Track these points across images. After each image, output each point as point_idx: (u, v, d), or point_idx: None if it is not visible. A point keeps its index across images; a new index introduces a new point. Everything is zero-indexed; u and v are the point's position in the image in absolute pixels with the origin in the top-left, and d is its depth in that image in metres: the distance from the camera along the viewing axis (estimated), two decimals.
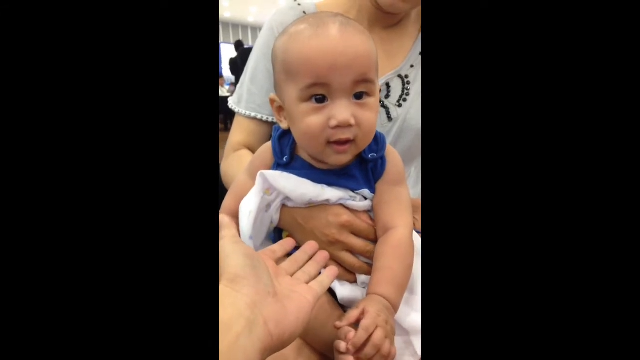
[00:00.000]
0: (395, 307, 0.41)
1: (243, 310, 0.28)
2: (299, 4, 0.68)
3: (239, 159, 0.65)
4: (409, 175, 0.78)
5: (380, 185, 0.47)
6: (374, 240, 0.46)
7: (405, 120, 0.67)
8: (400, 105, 0.67)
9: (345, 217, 0.46)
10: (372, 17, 0.66)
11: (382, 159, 0.47)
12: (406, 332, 0.43)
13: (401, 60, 0.68)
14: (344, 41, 0.41)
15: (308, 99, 0.42)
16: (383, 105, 0.67)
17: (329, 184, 0.46)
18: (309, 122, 0.42)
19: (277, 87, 0.46)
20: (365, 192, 0.47)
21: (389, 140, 0.64)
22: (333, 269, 0.40)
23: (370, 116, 0.43)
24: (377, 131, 0.48)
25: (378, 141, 0.47)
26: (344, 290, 0.45)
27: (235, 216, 0.47)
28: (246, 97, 0.69)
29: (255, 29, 13.23)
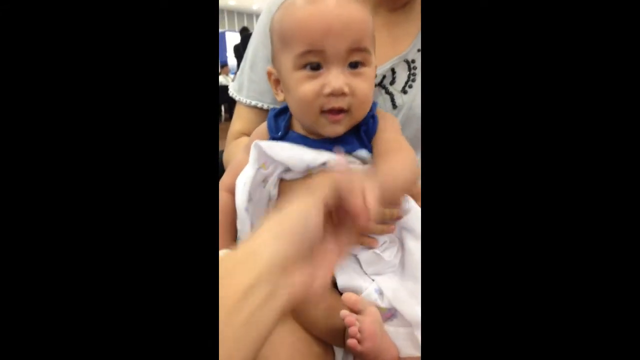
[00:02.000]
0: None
1: (270, 274, 0.25)
2: None
3: (238, 147, 0.64)
4: None
5: (376, 139, 0.46)
6: None
7: (410, 107, 0.65)
8: (405, 92, 0.65)
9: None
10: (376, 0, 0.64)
11: (374, 118, 0.47)
12: (409, 324, 0.42)
13: (407, 45, 0.65)
14: (339, 7, 0.41)
15: (303, 66, 0.42)
16: (387, 92, 0.65)
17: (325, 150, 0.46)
18: (303, 89, 0.42)
19: (273, 59, 0.46)
20: (362, 152, 0.46)
21: None
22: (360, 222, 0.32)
23: (365, 86, 0.42)
24: None
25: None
26: (343, 278, 0.44)
27: (232, 192, 0.47)
28: (247, 85, 0.68)
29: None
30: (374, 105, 0.48)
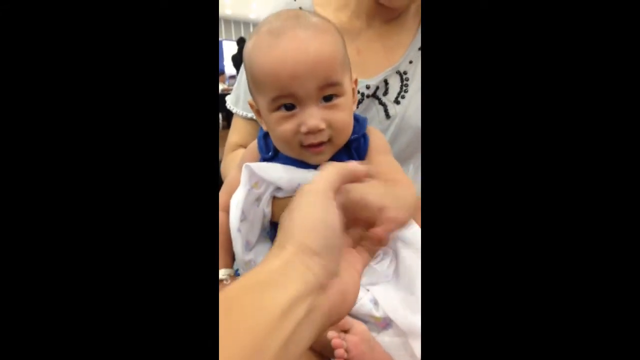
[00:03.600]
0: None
1: (308, 293, 0.24)
2: (295, 0, 0.67)
3: (235, 159, 0.65)
4: (406, 173, 0.77)
5: (368, 159, 0.47)
6: None
7: (403, 118, 0.66)
8: (398, 103, 0.66)
9: None
10: (370, 10, 0.65)
11: (364, 137, 0.48)
12: (404, 334, 0.42)
13: (400, 56, 0.67)
14: (303, 49, 0.40)
15: (277, 108, 0.43)
16: (381, 103, 0.66)
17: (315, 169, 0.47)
18: (281, 130, 0.43)
19: (251, 93, 0.46)
20: None
21: (386, 137, 0.64)
22: (380, 232, 0.31)
23: (341, 116, 0.43)
24: (357, 114, 0.49)
25: (359, 122, 0.49)
26: None
27: (228, 211, 0.47)
28: (243, 97, 0.69)
29: (257, 25, 13.17)
30: (364, 122, 0.49)
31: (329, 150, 0.44)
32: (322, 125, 0.41)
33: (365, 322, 0.42)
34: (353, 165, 0.30)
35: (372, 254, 0.31)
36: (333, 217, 0.27)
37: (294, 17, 0.44)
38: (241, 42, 6.02)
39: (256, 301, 0.22)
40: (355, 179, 0.30)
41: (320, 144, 0.43)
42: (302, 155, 0.45)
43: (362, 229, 0.31)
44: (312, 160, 0.45)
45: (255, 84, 0.44)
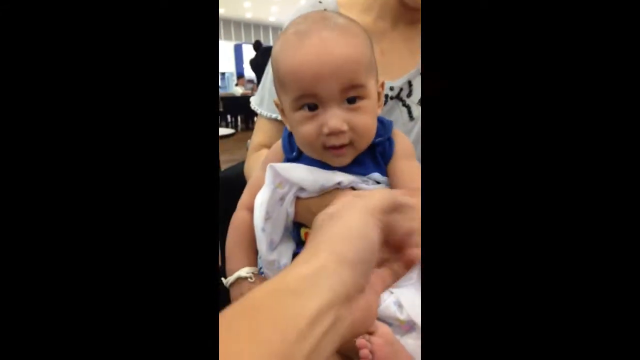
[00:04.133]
0: None
1: (336, 303, 0.23)
2: (320, 1, 0.68)
3: (259, 159, 0.66)
4: None
5: (392, 164, 0.47)
6: None
7: None
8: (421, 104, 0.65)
9: None
10: (395, 13, 0.65)
11: (390, 140, 0.47)
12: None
13: None
14: (328, 50, 0.40)
15: (300, 107, 0.43)
16: (404, 104, 0.65)
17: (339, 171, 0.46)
18: (303, 130, 0.43)
19: (277, 92, 0.47)
20: (376, 175, 0.47)
21: (410, 139, 0.63)
22: (411, 256, 0.31)
23: (364, 119, 0.43)
24: (382, 117, 0.49)
25: (384, 125, 0.48)
26: None
27: (252, 210, 0.48)
28: (267, 98, 0.69)
29: (277, 29, 13.33)
30: (390, 125, 0.49)
31: (351, 153, 0.44)
32: (344, 127, 0.41)
33: (389, 324, 0.42)
34: (406, 198, 0.30)
35: (396, 278, 0.31)
36: (373, 233, 0.26)
37: (320, 19, 0.44)
38: (258, 46, 6.08)
39: (285, 308, 0.22)
40: (403, 209, 0.30)
41: (342, 146, 0.43)
42: (323, 157, 0.45)
43: (389, 250, 0.31)
44: (334, 162, 0.45)
45: (280, 83, 0.45)
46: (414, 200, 0.30)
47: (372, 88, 0.44)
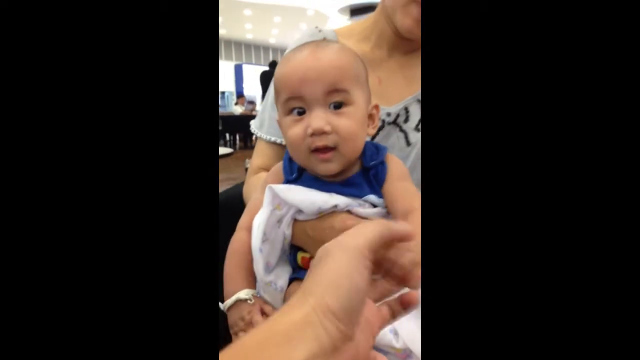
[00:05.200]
0: None
1: (321, 355, 0.23)
2: (320, 31, 0.70)
3: (258, 182, 0.66)
4: None
5: (387, 185, 0.48)
6: None
7: None
8: (419, 130, 0.67)
9: (351, 221, 0.46)
10: (391, 43, 0.67)
11: (382, 164, 0.49)
12: None
13: (420, 86, 0.68)
14: (315, 57, 0.45)
15: (290, 112, 0.46)
16: (401, 130, 0.67)
17: (336, 193, 0.47)
18: (291, 132, 0.46)
19: (275, 104, 0.50)
20: (371, 197, 0.48)
21: (407, 164, 0.64)
22: (412, 296, 0.31)
23: (347, 123, 0.45)
24: (378, 143, 0.51)
25: (379, 150, 0.50)
26: None
27: (250, 231, 0.48)
28: (267, 122, 0.71)
29: (277, 50, 13.60)
30: (384, 151, 0.50)
31: (337, 160, 0.45)
32: (327, 128, 0.43)
33: (385, 353, 0.41)
34: (397, 226, 0.30)
35: (395, 316, 0.30)
36: (360, 278, 0.26)
37: (317, 43, 0.48)
38: (273, 65, 6.29)
39: (275, 356, 0.22)
40: (398, 239, 0.29)
41: (326, 149, 0.44)
42: (309, 162, 0.46)
43: (392, 283, 0.30)
44: (321, 168, 0.46)
45: (276, 93, 0.48)
46: (411, 227, 0.30)
47: (358, 98, 0.46)
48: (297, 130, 0.45)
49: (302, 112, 0.45)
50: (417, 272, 0.29)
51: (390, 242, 0.29)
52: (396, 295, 0.31)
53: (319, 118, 0.44)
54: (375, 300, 0.30)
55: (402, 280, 0.30)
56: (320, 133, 0.44)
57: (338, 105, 0.45)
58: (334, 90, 0.44)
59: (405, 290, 0.31)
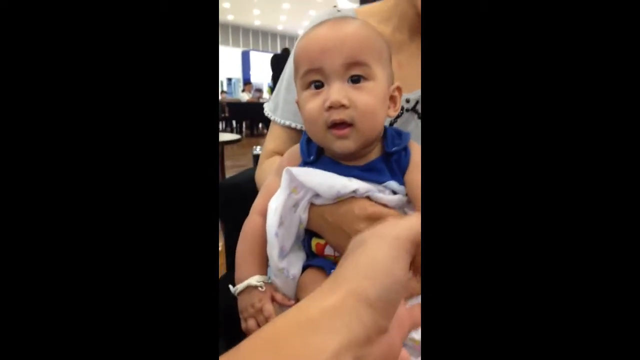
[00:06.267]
0: None
1: (355, 345, 0.22)
2: (339, 10, 0.68)
3: (271, 166, 0.65)
4: None
5: (409, 175, 0.47)
6: None
7: None
8: None
9: (372, 208, 0.45)
10: (413, 25, 0.64)
11: (406, 150, 0.47)
12: None
13: None
14: (335, 29, 0.44)
15: (308, 85, 0.45)
16: (420, 117, 0.65)
17: (355, 178, 0.46)
18: (309, 107, 0.45)
19: (294, 81, 0.49)
20: (392, 184, 0.46)
21: None
22: None
23: (366, 98, 0.43)
24: (399, 129, 0.50)
25: (401, 136, 0.48)
26: None
27: (265, 215, 0.47)
28: (282, 105, 0.69)
29: (285, 37, 13.48)
30: (407, 136, 0.48)
31: (354, 138, 0.43)
32: (344, 101, 0.42)
33: (404, 345, 0.40)
34: None
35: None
36: (399, 270, 0.24)
37: (337, 18, 0.47)
38: (285, 51, 6.30)
39: (305, 344, 0.21)
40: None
41: (344, 124, 0.43)
42: (326, 139, 0.44)
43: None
44: (337, 145, 0.44)
45: (294, 65, 0.47)
46: None
47: (379, 74, 0.45)
48: (314, 104, 0.44)
49: (320, 86, 0.44)
50: None
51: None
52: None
53: (337, 91, 0.42)
54: (405, 299, 0.29)
55: None
56: (338, 106, 0.42)
57: (357, 79, 0.43)
58: (354, 62, 0.43)
59: None
